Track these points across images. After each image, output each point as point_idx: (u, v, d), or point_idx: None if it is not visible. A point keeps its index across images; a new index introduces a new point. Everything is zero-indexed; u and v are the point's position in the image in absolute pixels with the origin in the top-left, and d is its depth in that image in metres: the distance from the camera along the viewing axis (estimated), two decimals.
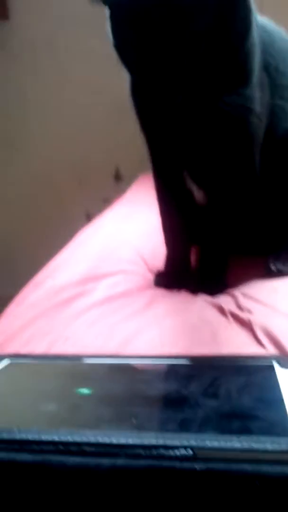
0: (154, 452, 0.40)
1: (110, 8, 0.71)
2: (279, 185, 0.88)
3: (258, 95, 0.79)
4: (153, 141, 0.86)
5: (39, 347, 0.74)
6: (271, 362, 0.60)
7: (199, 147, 0.80)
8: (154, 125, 0.82)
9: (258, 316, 0.74)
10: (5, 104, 1.75)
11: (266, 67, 0.83)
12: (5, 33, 1.66)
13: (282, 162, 0.87)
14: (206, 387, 0.54)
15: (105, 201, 1.54)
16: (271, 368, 0.59)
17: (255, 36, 0.78)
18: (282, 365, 0.59)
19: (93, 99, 1.64)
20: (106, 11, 0.73)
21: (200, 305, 0.81)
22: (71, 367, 0.64)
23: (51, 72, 1.68)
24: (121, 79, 0.82)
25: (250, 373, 0.59)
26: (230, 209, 0.87)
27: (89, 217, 1.65)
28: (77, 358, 0.66)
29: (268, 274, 0.89)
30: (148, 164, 0.92)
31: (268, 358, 0.62)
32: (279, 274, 0.88)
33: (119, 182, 1.73)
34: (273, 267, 0.89)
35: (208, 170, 0.84)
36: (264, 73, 0.82)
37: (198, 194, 0.89)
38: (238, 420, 0.46)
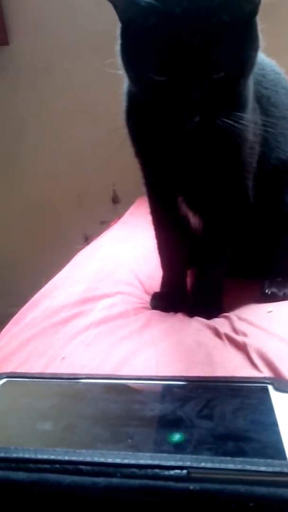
0: (149, 472, 0.41)
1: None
2: (271, 212, 0.89)
3: (251, 124, 0.80)
4: (149, 166, 0.87)
5: (36, 367, 0.75)
6: (266, 385, 0.60)
7: (193, 173, 0.81)
8: (151, 152, 0.83)
9: (253, 339, 0.75)
10: (4, 127, 1.78)
11: (259, 98, 0.85)
12: (5, 58, 1.69)
13: (273, 191, 0.89)
14: (201, 409, 0.54)
15: (103, 224, 1.56)
16: (266, 391, 0.60)
17: None
18: (276, 388, 0.60)
19: (91, 123, 1.66)
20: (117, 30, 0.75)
21: (195, 328, 0.82)
22: (68, 387, 0.65)
23: (50, 96, 1.71)
24: (119, 103, 0.84)
25: (244, 395, 0.59)
26: (225, 234, 0.88)
27: (87, 239, 1.67)
28: (73, 378, 0.66)
29: (263, 297, 0.90)
30: (143, 188, 0.94)
31: (263, 381, 0.62)
32: (273, 297, 0.89)
33: (117, 205, 1.75)
34: (267, 291, 0.90)
35: (202, 195, 0.85)
36: (257, 104, 0.84)
37: (193, 220, 0.90)
38: (232, 441, 0.46)
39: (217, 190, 0.83)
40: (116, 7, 0.68)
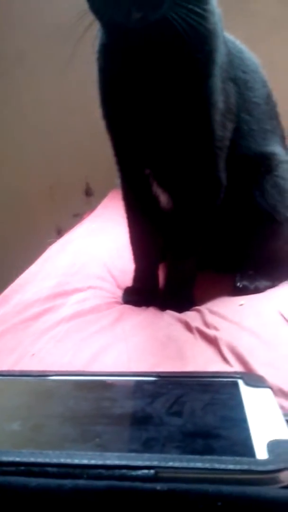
0: (116, 472, 0.40)
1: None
2: (241, 206, 0.89)
3: (220, 95, 0.79)
4: (119, 136, 0.85)
5: (5, 363, 0.73)
6: (236, 380, 0.61)
7: (162, 140, 0.79)
8: (120, 117, 0.81)
9: (224, 333, 0.75)
10: None
11: (235, 79, 0.85)
12: None
13: (243, 184, 0.88)
14: (171, 405, 0.54)
15: (76, 216, 1.55)
16: (236, 385, 0.60)
17: (218, 24, 0.78)
18: (246, 382, 0.60)
19: (64, 113, 1.64)
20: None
21: (167, 322, 0.81)
22: (37, 385, 0.64)
23: (21, 86, 1.68)
24: (92, 97, 0.83)
25: (215, 390, 0.59)
26: (195, 216, 0.86)
27: (59, 232, 1.65)
28: (42, 375, 0.65)
29: (235, 291, 0.90)
30: (118, 180, 0.93)
31: (233, 375, 0.62)
32: (245, 291, 0.90)
33: (90, 197, 1.73)
34: (239, 284, 0.90)
35: (169, 167, 0.83)
36: (232, 84, 0.84)
37: (164, 200, 0.88)
38: (201, 439, 0.46)
39: (184, 160, 0.81)
40: None
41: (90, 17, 0.72)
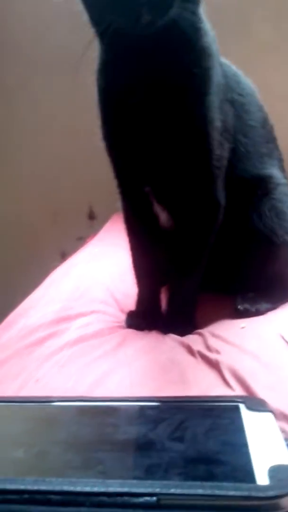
0: (119, 500, 0.41)
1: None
2: (240, 228, 0.90)
3: (218, 114, 0.80)
4: (118, 154, 0.85)
5: (9, 389, 0.74)
6: (237, 404, 0.61)
7: (161, 156, 0.80)
8: (119, 135, 0.82)
9: (226, 357, 0.76)
10: None
11: (232, 101, 0.87)
12: None
13: (241, 206, 0.89)
14: (173, 431, 0.55)
15: (79, 240, 1.56)
16: (237, 410, 0.60)
17: (213, 45, 0.80)
18: (248, 407, 0.61)
19: (66, 139, 1.66)
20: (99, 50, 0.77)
21: (169, 345, 0.82)
22: (40, 410, 0.65)
23: (23, 113, 1.70)
24: (94, 121, 0.84)
25: (216, 415, 0.60)
26: (195, 236, 0.87)
27: (63, 256, 1.66)
28: (46, 400, 0.66)
29: (236, 313, 0.91)
30: (120, 203, 0.94)
31: (235, 399, 0.63)
32: (246, 313, 0.90)
33: (93, 221, 1.75)
34: (240, 307, 0.91)
35: (169, 184, 0.83)
36: (229, 105, 0.86)
37: (163, 217, 0.89)
38: (202, 465, 0.47)
39: (183, 177, 0.82)
40: None
41: (90, 35, 0.74)
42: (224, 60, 0.88)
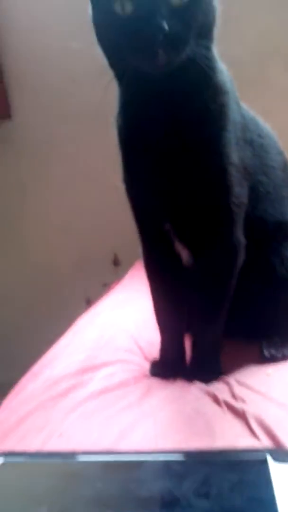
0: None
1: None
2: (262, 273, 0.89)
3: (235, 151, 0.81)
4: (138, 193, 0.86)
5: (34, 443, 0.74)
6: (265, 456, 0.60)
7: (180, 193, 0.81)
8: (140, 175, 0.83)
9: (252, 406, 0.74)
10: (6, 195, 1.83)
11: (251, 141, 0.88)
12: (8, 131, 1.76)
13: (261, 251, 0.89)
14: (198, 486, 0.54)
15: (104, 286, 1.57)
16: (264, 462, 0.59)
17: (228, 83, 0.82)
18: (275, 459, 0.59)
19: (91, 188, 1.71)
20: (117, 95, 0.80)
21: (195, 395, 0.81)
22: (64, 466, 0.64)
23: (51, 165, 1.76)
24: (117, 168, 0.86)
25: (243, 469, 0.59)
26: (216, 274, 0.86)
27: (89, 302, 1.67)
28: (70, 455, 0.65)
29: (262, 359, 0.89)
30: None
31: (262, 451, 0.61)
32: (272, 359, 0.89)
33: (118, 267, 1.76)
34: (266, 353, 0.89)
35: (190, 221, 0.83)
36: (248, 146, 0.87)
37: (185, 256, 0.89)
38: None
39: (203, 214, 0.82)
40: None
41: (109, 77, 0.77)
42: (243, 104, 0.90)
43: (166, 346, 0.94)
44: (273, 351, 0.89)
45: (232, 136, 0.81)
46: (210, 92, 0.78)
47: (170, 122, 0.78)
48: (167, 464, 0.61)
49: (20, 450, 0.71)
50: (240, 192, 0.83)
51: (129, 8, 0.70)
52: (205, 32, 0.74)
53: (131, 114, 0.81)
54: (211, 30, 0.76)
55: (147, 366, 0.94)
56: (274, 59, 1.44)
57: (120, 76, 0.77)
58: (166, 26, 0.67)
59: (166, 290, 0.93)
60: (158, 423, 0.74)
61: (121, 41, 0.72)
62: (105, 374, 0.90)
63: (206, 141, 0.79)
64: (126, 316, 1.16)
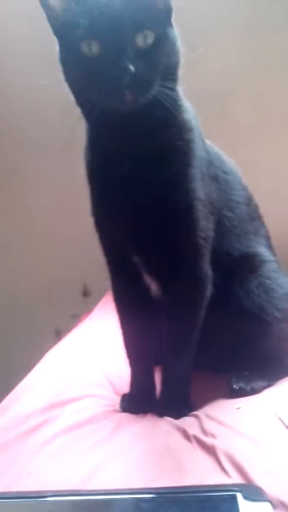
0: None
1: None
2: (230, 306, 0.90)
3: (201, 186, 0.83)
4: (106, 226, 0.87)
5: (1, 482, 0.72)
6: (235, 494, 0.60)
7: (148, 228, 0.82)
8: (107, 208, 0.84)
9: (222, 441, 0.75)
10: None
11: (216, 177, 0.90)
12: None
13: (227, 284, 0.90)
14: None
15: (74, 317, 1.56)
16: (235, 500, 0.59)
17: (193, 120, 0.84)
18: (245, 496, 0.60)
19: (59, 218, 1.70)
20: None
21: (165, 430, 0.81)
22: (32, 507, 0.63)
23: (17, 195, 1.75)
24: (86, 198, 0.87)
25: (213, 506, 0.59)
26: (184, 305, 0.86)
27: (58, 334, 1.65)
28: (38, 496, 0.64)
29: (231, 392, 0.90)
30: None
31: (232, 488, 0.61)
32: (241, 393, 0.89)
33: (87, 298, 1.75)
34: (235, 386, 0.90)
35: (157, 254, 0.84)
36: (214, 181, 0.89)
37: (154, 287, 0.89)
38: None
39: (169, 247, 0.83)
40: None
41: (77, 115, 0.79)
42: (207, 141, 0.93)
43: (136, 380, 0.94)
44: (242, 384, 0.90)
45: (197, 171, 0.83)
46: (175, 129, 0.81)
47: (136, 158, 0.79)
48: (137, 504, 0.61)
49: None
50: (206, 226, 0.85)
51: (96, 49, 0.72)
52: (169, 73, 0.77)
53: (98, 149, 0.83)
54: (175, 70, 0.79)
55: (117, 400, 0.93)
56: (237, 96, 1.49)
57: (87, 112, 0.78)
58: (132, 68, 0.70)
59: (135, 322, 0.94)
60: (128, 461, 0.73)
61: (88, 80, 0.74)
62: (74, 409, 0.89)
63: (172, 176, 0.81)
64: (96, 349, 1.15)
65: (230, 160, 0.99)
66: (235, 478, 0.67)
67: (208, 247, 0.86)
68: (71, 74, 0.77)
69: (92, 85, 0.74)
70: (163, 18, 0.75)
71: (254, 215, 1.00)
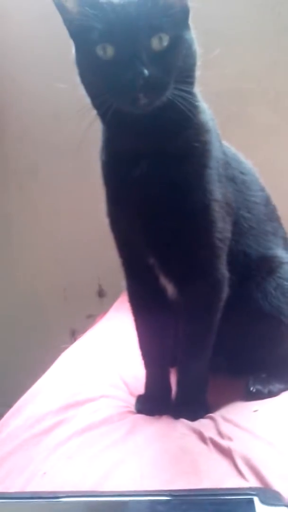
0: None
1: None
2: (247, 308, 0.89)
3: (218, 187, 0.83)
4: (122, 228, 0.86)
5: (16, 483, 0.72)
6: (252, 498, 0.59)
7: (164, 229, 0.81)
8: (123, 209, 0.84)
9: (239, 444, 0.74)
10: None
11: (233, 178, 0.90)
12: None
13: (244, 286, 0.89)
14: None
15: (89, 318, 1.56)
16: (251, 504, 0.58)
17: (210, 121, 0.84)
18: (262, 500, 0.58)
19: (75, 219, 1.71)
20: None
21: (180, 432, 0.80)
22: (47, 508, 0.63)
23: (35, 196, 1.77)
24: (103, 202, 0.87)
25: (229, 510, 0.58)
26: (201, 307, 0.86)
27: (73, 334, 1.66)
28: (53, 496, 0.64)
29: (248, 395, 0.89)
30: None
31: (248, 492, 0.60)
32: (258, 395, 0.88)
33: (103, 298, 1.76)
34: (252, 388, 0.89)
35: (174, 256, 0.84)
36: (231, 182, 0.88)
37: (170, 290, 0.89)
38: None
39: (187, 248, 0.82)
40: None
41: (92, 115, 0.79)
42: (224, 142, 0.92)
43: (151, 381, 0.93)
44: (259, 387, 0.89)
45: (214, 173, 0.83)
46: (192, 131, 0.80)
47: (152, 159, 0.79)
48: (152, 506, 0.60)
49: (1, 491, 0.69)
50: (223, 227, 0.84)
51: (110, 52, 0.72)
52: (186, 75, 0.77)
53: (115, 151, 0.83)
54: (192, 72, 0.78)
55: (132, 401, 0.93)
56: (254, 95, 1.48)
57: (103, 114, 0.78)
58: (146, 71, 0.69)
59: (150, 324, 0.93)
60: (144, 462, 0.73)
61: (103, 83, 0.74)
62: (89, 410, 0.89)
63: (189, 178, 0.80)
64: (111, 350, 1.14)
65: (248, 161, 0.98)
66: (252, 482, 0.66)
67: (225, 248, 0.85)
68: (86, 77, 0.77)
69: (107, 88, 0.74)
70: (179, 20, 0.74)
71: (272, 216, 0.98)
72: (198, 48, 0.78)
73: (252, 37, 1.47)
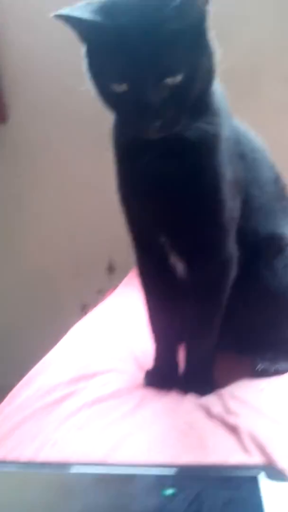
0: None
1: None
2: (255, 287, 0.89)
3: (228, 167, 0.82)
4: (132, 206, 0.87)
5: (26, 452, 0.74)
6: (257, 474, 0.60)
7: (175, 208, 0.82)
8: (133, 188, 0.84)
9: (245, 420, 0.75)
10: (2, 200, 1.82)
11: (243, 155, 0.89)
12: (3, 134, 1.76)
13: (253, 264, 0.89)
14: (189, 504, 0.54)
15: (99, 293, 1.57)
16: (256, 480, 0.59)
17: (221, 102, 0.83)
18: (268, 476, 0.60)
19: (87, 194, 1.71)
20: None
21: (188, 408, 0.81)
22: (57, 477, 0.64)
23: (47, 170, 1.76)
24: (112, 175, 0.86)
25: (235, 486, 0.59)
26: (210, 285, 0.87)
27: (84, 308, 1.67)
28: (63, 466, 0.66)
29: (255, 373, 0.90)
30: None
31: (254, 468, 0.62)
32: (265, 373, 0.89)
33: (112, 273, 1.77)
34: (259, 367, 0.90)
35: (184, 234, 0.84)
36: (240, 160, 0.88)
37: (180, 268, 0.89)
38: None
39: (197, 227, 0.83)
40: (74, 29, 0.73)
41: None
42: (235, 119, 0.91)
43: (159, 356, 0.94)
44: (266, 365, 0.90)
45: (224, 154, 0.82)
46: (203, 117, 0.79)
47: (163, 142, 0.78)
48: (160, 479, 0.61)
49: (12, 459, 0.71)
50: (233, 206, 0.85)
51: (124, 87, 0.71)
52: (200, 104, 0.76)
53: (125, 133, 0.82)
54: (210, 83, 0.77)
55: (141, 375, 0.94)
56: (266, 71, 1.45)
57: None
58: (157, 106, 0.70)
59: (159, 300, 0.94)
60: (151, 436, 0.74)
61: (115, 107, 0.75)
62: (99, 383, 0.91)
63: (199, 159, 0.80)
64: (121, 325, 1.16)
65: (259, 138, 0.97)
66: (258, 458, 0.67)
67: (234, 227, 0.85)
68: (99, 92, 0.76)
69: (119, 112, 0.76)
70: (196, 50, 0.72)
71: (281, 194, 0.98)
72: (217, 52, 0.75)
73: (266, 12, 1.44)
